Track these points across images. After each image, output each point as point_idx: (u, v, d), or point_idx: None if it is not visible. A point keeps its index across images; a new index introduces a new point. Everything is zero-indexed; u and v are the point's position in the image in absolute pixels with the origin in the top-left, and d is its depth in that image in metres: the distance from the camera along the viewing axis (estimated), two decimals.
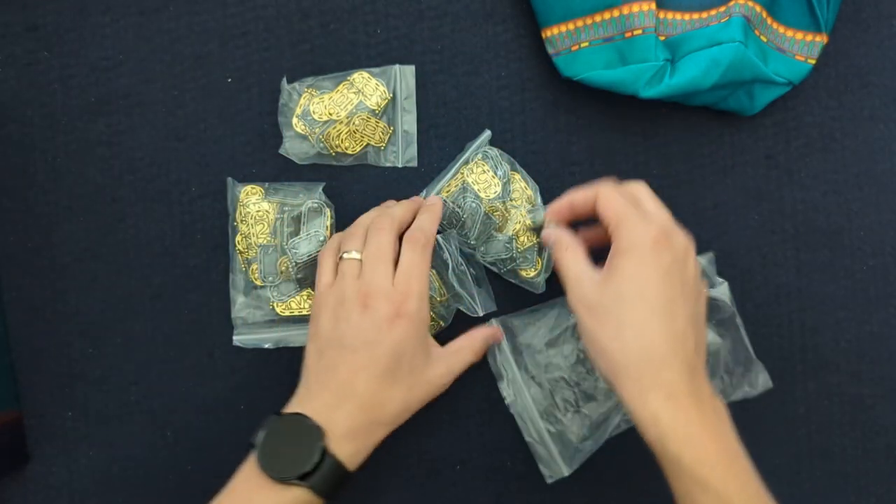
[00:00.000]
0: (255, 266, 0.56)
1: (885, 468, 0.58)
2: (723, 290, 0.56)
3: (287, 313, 0.56)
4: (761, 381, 0.56)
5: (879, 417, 0.58)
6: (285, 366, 0.57)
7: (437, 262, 0.55)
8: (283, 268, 0.56)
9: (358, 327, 0.48)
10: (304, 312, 0.56)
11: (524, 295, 0.57)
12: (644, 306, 0.44)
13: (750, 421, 0.58)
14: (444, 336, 0.54)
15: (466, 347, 0.53)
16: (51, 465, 0.58)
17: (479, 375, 0.57)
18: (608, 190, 0.48)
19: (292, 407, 0.48)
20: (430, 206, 0.54)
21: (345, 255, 0.50)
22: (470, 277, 0.54)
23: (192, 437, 0.57)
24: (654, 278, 0.44)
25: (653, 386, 0.43)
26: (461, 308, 0.55)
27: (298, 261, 0.55)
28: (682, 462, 0.42)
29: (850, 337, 0.58)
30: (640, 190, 0.49)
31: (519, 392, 0.56)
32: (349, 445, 0.47)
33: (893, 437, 0.58)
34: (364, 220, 0.53)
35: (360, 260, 0.50)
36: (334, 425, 0.46)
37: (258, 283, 0.56)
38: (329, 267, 0.51)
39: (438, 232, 0.53)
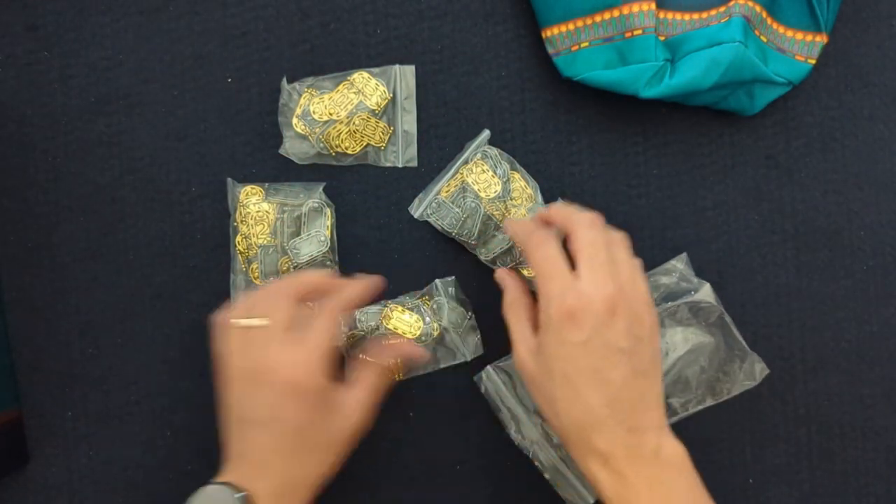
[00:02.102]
0: (255, 266, 0.56)
1: (885, 468, 0.58)
2: (706, 292, 0.56)
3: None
4: (758, 370, 0.56)
5: (879, 417, 0.58)
6: None
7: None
8: (284, 268, 0.56)
9: (261, 405, 0.46)
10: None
11: None
12: (569, 384, 0.43)
13: (750, 421, 0.58)
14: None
15: (365, 381, 0.50)
16: (51, 465, 0.58)
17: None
18: (537, 246, 0.46)
19: (220, 477, 0.47)
20: (359, 282, 0.51)
21: (243, 323, 0.47)
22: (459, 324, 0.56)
23: (192, 437, 0.56)
24: (575, 355, 0.43)
25: (588, 453, 0.44)
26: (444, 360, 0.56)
27: (300, 262, 0.55)
28: None
29: (850, 337, 0.58)
30: (581, 233, 0.46)
31: (528, 432, 0.56)
32: None
33: (893, 437, 0.58)
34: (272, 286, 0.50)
35: (246, 327, 0.47)
36: (260, 491, 0.45)
37: (258, 283, 0.56)
38: (225, 336, 0.48)
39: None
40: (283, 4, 0.57)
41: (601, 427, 0.43)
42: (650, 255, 0.57)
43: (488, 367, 0.57)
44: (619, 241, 0.47)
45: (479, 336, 0.57)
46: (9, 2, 0.57)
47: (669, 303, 0.56)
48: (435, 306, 0.56)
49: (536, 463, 0.56)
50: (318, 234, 0.55)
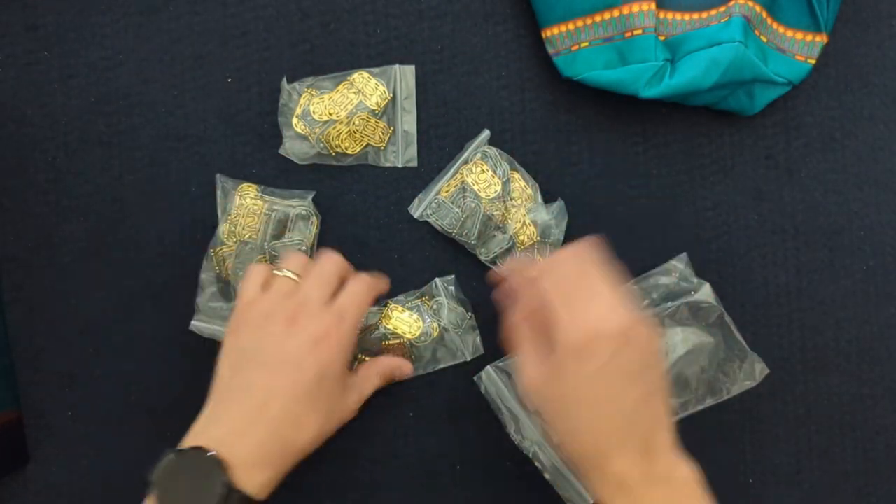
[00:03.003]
0: (229, 262, 0.56)
1: (885, 468, 0.58)
2: (705, 292, 0.56)
3: None
4: (758, 370, 0.56)
5: (879, 417, 0.58)
6: None
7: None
8: None
9: (281, 345, 0.46)
10: None
11: None
12: (585, 409, 0.43)
13: (750, 421, 0.58)
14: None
15: (374, 374, 0.53)
16: (51, 466, 0.58)
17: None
18: (540, 278, 0.45)
19: (195, 430, 0.45)
20: (379, 277, 0.54)
21: (278, 273, 0.49)
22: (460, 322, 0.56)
23: None
24: (590, 382, 0.43)
25: (603, 479, 0.43)
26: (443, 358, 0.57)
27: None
28: None
29: (850, 337, 0.58)
30: (570, 264, 0.46)
31: (528, 432, 0.56)
32: (259, 475, 0.44)
33: (893, 437, 0.58)
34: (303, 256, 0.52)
35: (295, 280, 0.49)
36: (242, 453, 0.43)
37: (229, 278, 0.56)
38: (257, 282, 0.49)
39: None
40: (283, 4, 0.57)
41: (617, 450, 0.43)
42: (650, 254, 0.57)
43: (488, 368, 0.57)
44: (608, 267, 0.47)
45: (478, 335, 0.57)
46: (9, 2, 0.57)
47: (669, 303, 0.56)
48: (435, 306, 0.56)
49: (536, 463, 0.56)
50: (302, 244, 0.55)
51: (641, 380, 0.43)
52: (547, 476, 0.56)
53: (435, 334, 0.56)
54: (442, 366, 0.57)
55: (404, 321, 0.56)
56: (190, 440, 0.45)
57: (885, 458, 0.58)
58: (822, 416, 0.58)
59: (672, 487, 0.43)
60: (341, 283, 0.50)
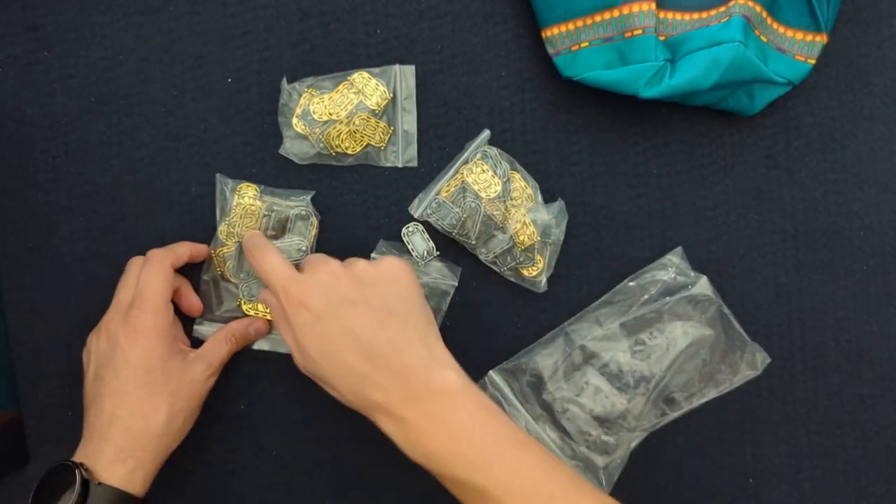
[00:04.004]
0: (230, 263, 0.56)
1: (885, 468, 0.58)
2: (703, 285, 0.56)
3: (252, 313, 0.56)
4: (760, 360, 0.56)
5: (879, 417, 0.58)
6: (284, 366, 0.57)
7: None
8: None
9: (104, 355, 0.51)
10: (269, 316, 0.57)
11: (525, 294, 0.57)
12: (327, 358, 0.46)
13: (750, 421, 0.58)
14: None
15: (222, 339, 0.54)
16: (51, 465, 0.58)
17: (479, 376, 0.57)
18: (257, 255, 0.50)
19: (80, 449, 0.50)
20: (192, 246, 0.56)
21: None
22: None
23: (191, 436, 0.56)
24: (317, 331, 0.46)
25: (373, 412, 0.45)
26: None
27: None
28: (422, 464, 0.44)
29: (850, 337, 0.58)
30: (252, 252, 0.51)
31: (534, 434, 0.56)
32: (122, 467, 0.48)
33: (893, 437, 0.58)
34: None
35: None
36: (102, 455, 0.48)
37: (231, 278, 0.56)
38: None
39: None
40: (283, 4, 0.57)
41: (370, 380, 0.45)
42: (650, 254, 0.57)
43: (490, 372, 0.57)
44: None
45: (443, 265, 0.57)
46: (9, 2, 0.57)
47: (667, 298, 0.56)
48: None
49: None
50: (300, 244, 0.55)
51: (366, 305, 0.46)
52: None
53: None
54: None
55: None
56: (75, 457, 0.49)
57: (885, 458, 0.58)
58: (822, 416, 0.58)
59: (433, 398, 0.44)
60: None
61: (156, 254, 0.53)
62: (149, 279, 0.52)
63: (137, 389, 0.49)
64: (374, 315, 0.46)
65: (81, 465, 0.47)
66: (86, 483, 0.46)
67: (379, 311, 0.46)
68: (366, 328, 0.45)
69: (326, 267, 0.47)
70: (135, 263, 0.54)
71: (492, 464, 0.43)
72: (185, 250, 0.54)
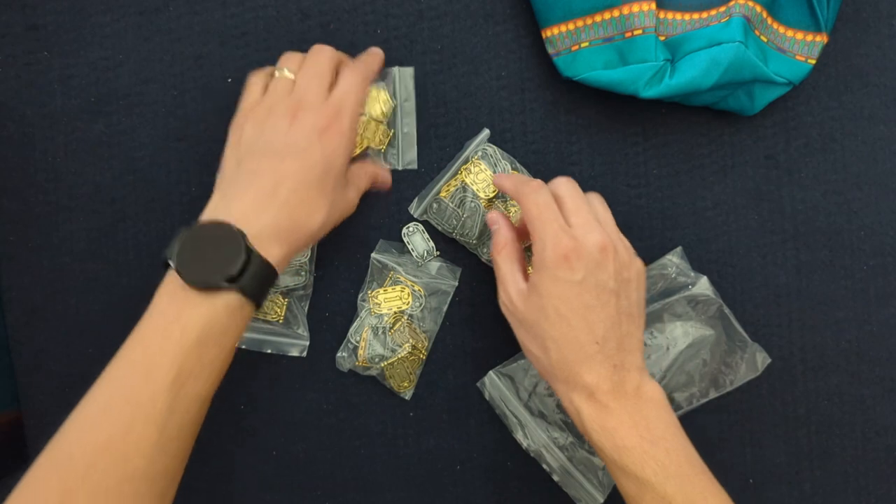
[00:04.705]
0: None
1: (885, 468, 0.58)
2: (703, 285, 0.56)
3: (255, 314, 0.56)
4: (760, 360, 0.56)
5: (879, 417, 0.58)
6: (284, 365, 0.57)
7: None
8: None
9: (287, 136, 0.48)
10: (271, 318, 0.57)
11: None
12: (562, 321, 0.46)
13: (750, 421, 0.58)
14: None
15: (364, 174, 0.54)
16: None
17: (479, 376, 0.57)
18: (530, 193, 0.49)
19: (207, 215, 0.47)
20: (372, 54, 0.55)
21: (277, 73, 0.51)
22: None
23: None
24: (569, 294, 0.46)
25: (575, 388, 0.46)
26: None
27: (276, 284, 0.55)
28: (603, 450, 0.46)
29: (850, 337, 0.58)
30: (563, 188, 0.49)
31: (534, 434, 0.56)
32: (275, 247, 0.46)
33: (893, 437, 0.58)
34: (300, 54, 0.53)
35: (292, 79, 0.51)
36: (259, 226, 0.45)
37: None
38: (259, 86, 0.52)
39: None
40: (283, 4, 0.57)
41: (590, 362, 0.46)
42: (650, 254, 0.57)
43: (490, 373, 0.57)
44: (598, 198, 0.50)
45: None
46: (9, 2, 0.57)
47: (668, 298, 0.56)
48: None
49: (544, 465, 0.56)
50: (300, 268, 0.55)
51: (617, 298, 0.47)
52: (556, 478, 0.56)
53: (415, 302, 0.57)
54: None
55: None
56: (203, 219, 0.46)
57: (885, 458, 0.58)
58: (822, 416, 0.58)
59: (640, 401, 0.46)
60: (336, 73, 0.51)
61: (359, 66, 0.52)
62: (353, 83, 0.50)
63: (311, 184, 0.47)
64: (619, 310, 0.47)
65: (242, 231, 0.45)
66: (248, 251, 0.44)
67: (623, 307, 0.47)
68: (611, 317, 0.46)
69: (597, 239, 0.47)
70: (322, 53, 0.51)
71: (683, 477, 0.45)
72: (378, 63, 0.54)
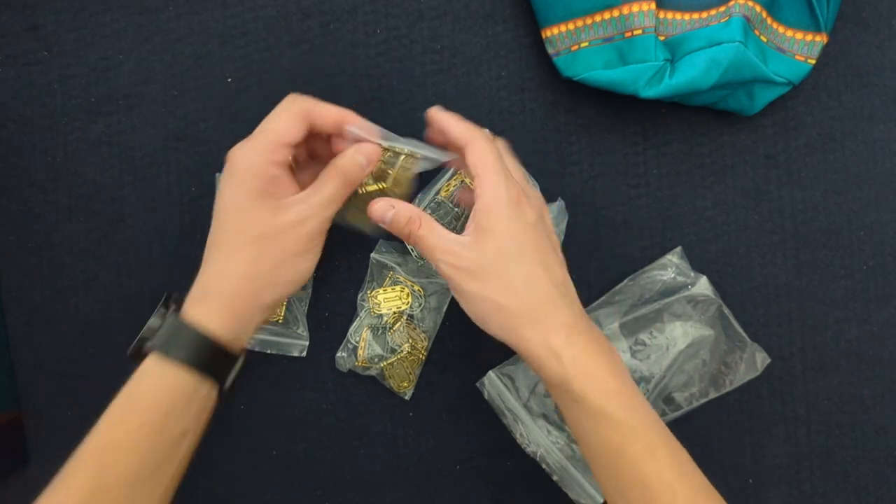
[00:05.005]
0: None
1: (885, 468, 0.58)
2: (703, 285, 0.56)
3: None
4: (759, 360, 0.56)
5: (879, 417, 0.58)
6: (284, 365, 0.57)
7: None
8: None
9: (217, 201, 0.48)
10: (271, 318, 0.56)
11: None
12: (526, 260, 0.45)
13: (750, 421, 0.58)
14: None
15: (326, 176, 0.48)
16: (51, 465, 0.57)
17: (479, 376, 0.57)
18: (481, 141, 0.47)
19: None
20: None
21: None
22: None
23: None
24: (527, 234, 0.45)
25: (552, 328, 0.44)
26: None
27: None
28: (586, 397, 0.43)
29: (850, 337, 0.58)
30: (503, 145, 0.50)
31: (534, 435, 0.56)
32: (199, 305, 0.46)
33: (893, 437, 0.58)
34: None
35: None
36: (189, 293, 0.46)
37: None
38: None
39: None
40: (282, 4, 0.57)
41: (559, 302, 0.45)
42: (650, 254, 0.57)
43: (490, 373, 0.57)
44: (508, 151, 0.50)
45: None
46: (9, 2, 0.57)
47: (667, 297, 0.56)
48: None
49: (544, 465, 0.56)
50: None
51: (559, 251, 0.48)
52: (555, 478, 0.56)
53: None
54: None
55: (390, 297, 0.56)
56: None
57: (885, 458, 0.58)
58: (822, 416, 0.58)
59: (609, 348, 0.46)
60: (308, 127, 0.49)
61: (297, 99, 0.48)
62: (277, 124, 0.47)
63: (224, 231, 0.46)
64: (562, 258, 0.48)
65: (172, 296, 0.46)
66: (163, 315, 0.45)
67: (563, 260, 0.48)
68: (561, 262, 0.47)
69: (538, 193, 0.49)
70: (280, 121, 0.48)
71: (658, 424, 0.44)
72: (333, 115, 0.48)
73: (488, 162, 0.46)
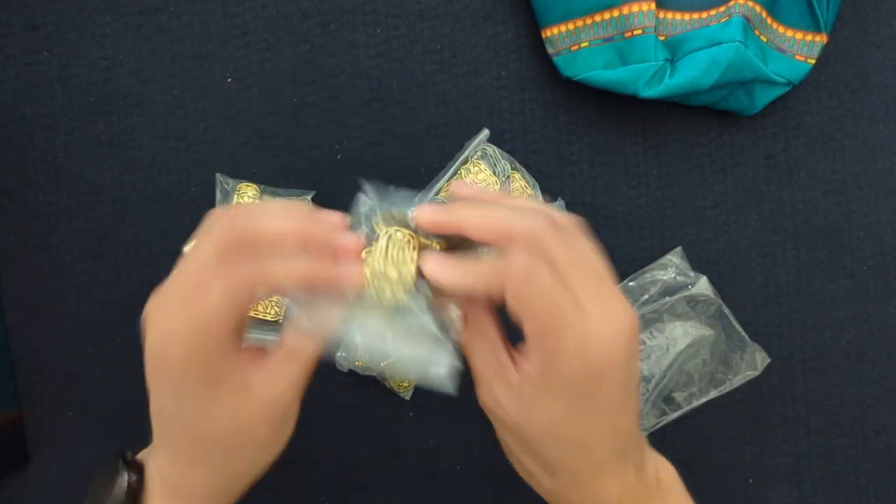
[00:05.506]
0: None
1: (885, 468, 0.58)
2: (703, 285, 0.56)
3: (251, 314, 0.56)
4: (759, 359, 0.56)
5: (879, 417, 0.58)
6: None
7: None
8: None
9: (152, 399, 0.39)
10: (267, 317, 0.56)
11: None
12: (580, 453, 0.34)
13: (750, 421, 0.58)
14: None
15: (285, 358, 0.36)
16: (51, 465, 0.58)
17: None
18: (524, 267, 0.32)
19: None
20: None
21: None
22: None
23: None
24: (598, 401, 0.33)
25: (595, 501, 0.36)
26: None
27: None
28: None
29: (850, 337, 0.58)
30: (550, 239, 0.33)
31: None
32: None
33: (893, 437, 0.58)
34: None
35: None
36: (155, 481, 0.39)
37: None
38: None
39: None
40: (282, 4, 0.57)
41: (607, 473, 0.35)
42: (650, 254, 0.57)
43: None
44: (581, 237, 0.34)
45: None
46: (9, 2, 0.57)
47: (667, 297, 0.56)
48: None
49: None
50: None
51: (634, 395, 0.35)
52: None
53: None
54: None
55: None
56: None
57: (885, 458, 0.58)
58: (822, 416, 0.58)
59: (662, 494, 0.38)
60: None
61: (243, 270, 0.34)
62: (215, 291, 0.33)
63: (174, 443, 0.38)
64: (637, 399, 0.35)
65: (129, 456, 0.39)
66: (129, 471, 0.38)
67: (639, 392, 0.38)
68: (635, 414, 0.35)
69: (628, 318, 0.33)
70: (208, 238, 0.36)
71: None
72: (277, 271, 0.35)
73: (527, 297, 0.32)
